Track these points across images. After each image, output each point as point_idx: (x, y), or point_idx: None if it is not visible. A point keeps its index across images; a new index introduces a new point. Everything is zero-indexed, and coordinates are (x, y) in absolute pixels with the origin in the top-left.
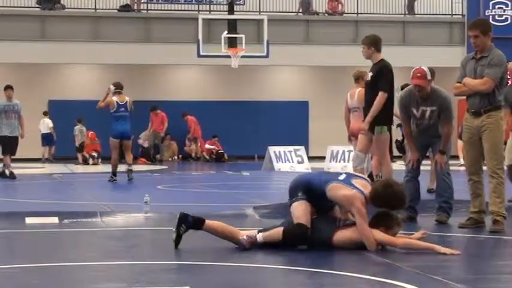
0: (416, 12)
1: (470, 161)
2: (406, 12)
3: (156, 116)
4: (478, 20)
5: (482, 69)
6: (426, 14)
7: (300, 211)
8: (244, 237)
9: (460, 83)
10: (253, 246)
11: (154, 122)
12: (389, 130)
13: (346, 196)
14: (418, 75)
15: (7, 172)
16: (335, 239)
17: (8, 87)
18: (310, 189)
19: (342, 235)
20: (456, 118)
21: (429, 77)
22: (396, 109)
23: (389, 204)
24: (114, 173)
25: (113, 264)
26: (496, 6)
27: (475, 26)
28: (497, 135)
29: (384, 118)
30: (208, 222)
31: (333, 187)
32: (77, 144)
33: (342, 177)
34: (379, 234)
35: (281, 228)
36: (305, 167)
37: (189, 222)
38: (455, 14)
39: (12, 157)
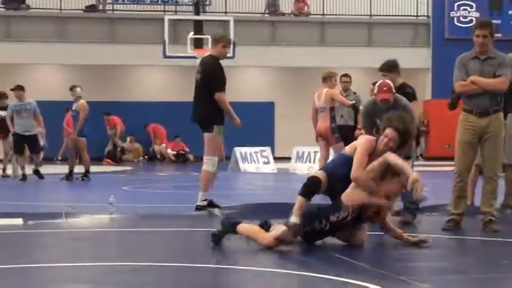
0: (381, 13)
1: (466, 162)
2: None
3: (109, 121)
4: (487, 21)
5: (492, 69)
6: (391, 15)
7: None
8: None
9: (465, 80)
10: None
11: (108, 125)
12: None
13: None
14: (385, 89)
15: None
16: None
17: (20, 88)
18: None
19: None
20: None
21: (394, 90)
22: None
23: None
24: (87, 171)
25: (78, 265)
26: (461, 8)
27: (485, 26)
28: (501, 138)
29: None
30: (239, 226)
31: (347, 147)
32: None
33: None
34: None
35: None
36: (271, 168)
37: (226, 226)
38: (420, 15)
39: None
